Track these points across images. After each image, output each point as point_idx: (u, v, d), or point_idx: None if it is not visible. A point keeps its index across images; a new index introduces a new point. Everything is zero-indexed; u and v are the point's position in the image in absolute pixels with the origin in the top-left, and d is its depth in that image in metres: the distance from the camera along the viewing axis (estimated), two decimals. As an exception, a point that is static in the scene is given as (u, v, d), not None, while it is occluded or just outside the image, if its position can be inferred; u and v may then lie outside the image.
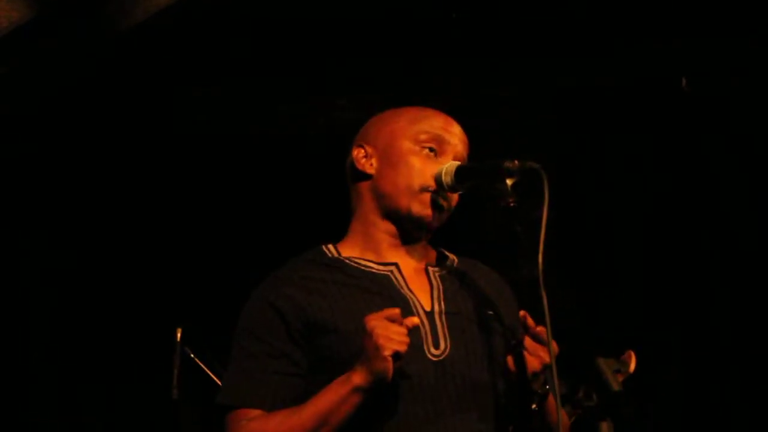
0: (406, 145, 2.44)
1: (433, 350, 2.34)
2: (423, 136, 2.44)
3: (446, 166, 2.41)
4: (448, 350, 2.34)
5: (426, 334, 2.34)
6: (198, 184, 5.42)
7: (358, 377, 2.23)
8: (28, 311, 5.37)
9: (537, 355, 2.26)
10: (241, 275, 5.16)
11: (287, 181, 5.33)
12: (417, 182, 2.41)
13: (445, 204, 2.42)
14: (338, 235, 2.54)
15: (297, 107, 5.21)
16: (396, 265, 2.43)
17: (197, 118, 5.24)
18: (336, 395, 2.25)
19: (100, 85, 4.90)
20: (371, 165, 2.47)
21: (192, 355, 4.09)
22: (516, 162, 2.30)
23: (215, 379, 4.12)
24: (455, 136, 2.47)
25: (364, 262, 2.43)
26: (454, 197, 2.45)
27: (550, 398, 2.35)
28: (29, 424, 5.29)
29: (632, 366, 3.50)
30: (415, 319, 2.26)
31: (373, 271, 2.41)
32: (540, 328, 2.25)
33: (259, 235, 5.36)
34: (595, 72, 5.11)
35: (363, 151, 2.48)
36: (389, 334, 2.20)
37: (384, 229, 2.46)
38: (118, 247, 5.39)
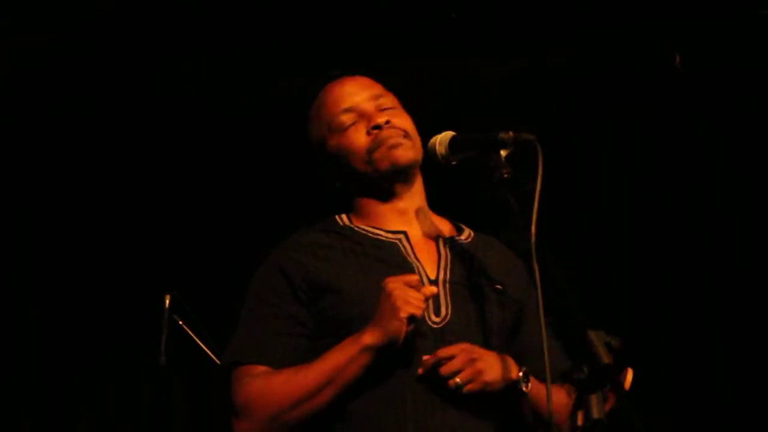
0: (335, 139, 2.47)
1: (433, 317, 2.35)
2: (336, 121, 2.47)
3: (440, 136, 2.40)
4: (448, 318, 2.35)
5: (428, 301, 2.34)
6: (188, 154, 5.41)
7: (368, 337, 2.24)
8: (17, 277, 5.36)
9: (475, 377, 2.28)
10: (230, 244, 5.21)
11: (278, 152, 5.32)
12: (364, 151, 2.43)
13: (399, 141, 2.42)
14: (326, 207, 2.55)
15: (290, 79, 5.19)
16: (405, 233, 2.45)
17: (186, 88, 5.23)
18: (345, 354, 2.26)
19: (90, 54, 4.89)
20: (338, 181, 2.51)
21: (180, 322, 4.08)
22: (511, 133, 2.29)
23: (203, 346, 4.12)
24: (356, 92, 2.49)
25: (373, 230, 2.45)
26: (402, 124, 2.46)
27: (534, 382, 2.38)
28: (17, 389, 5.30)
29: (627, 383, 3.45)
30: (433, 288, 2.29)
31: (381, 238, 2.43)
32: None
33: (248, 205, 5.35)
34: (589, 49, 5.11)
35: (329, 177, 2.52)
36: (407, 298, 2.22)
37: (385, 202, 2.48)
38: (107, 214, 5.39)
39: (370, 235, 2.44)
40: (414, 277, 2.28)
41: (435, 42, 4.89)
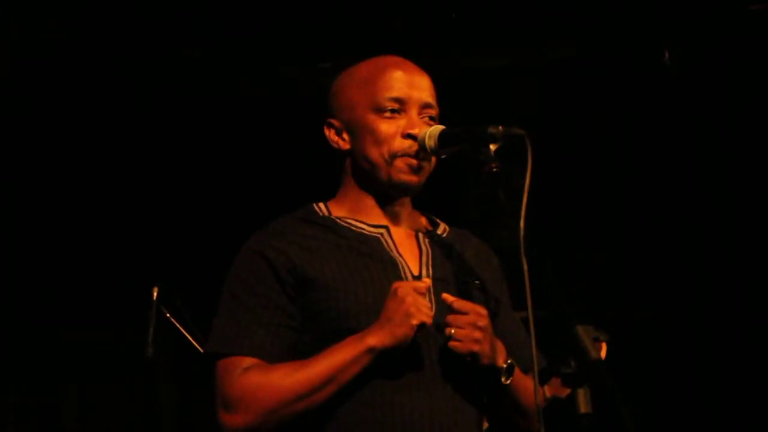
0: (369, 116, 2.42)
1: None
2: (382, 102, 2.41)
3: (429, 129, 2.39)
4: (432, 315, 2.32)
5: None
6: (179, 145, 5.40)
7: (373, 338, 2.24)
8: (6, 268, 5.35)
9: (467, 341, 2.29)
10: (219, 236, 5.20)
11: (271, 143, 5.32)
12: (386, 149, 2.39)
13: (423, 165, 2.42)
14: (321, 199, 2.53)
15: (283, 70, 5.19)
16: (386, 228, 2.43)
17: (183, 78, 5.22)
18: (349, 353, 2.25)
19: (89, 43, 4.88)
20: (344, 140, 2.46)
21: (167, 314, 4.08)
22: (500, 128, 2.29)
23: (190, 338, 4.12)
24: (415, 87, 2.44)
25: (355, 223, 2.42)
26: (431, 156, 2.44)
27: (518, 373, 2.39)
28: (4, 380, 5.29)
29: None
30: (427, 282, 2.31)
31: (364, 232, 2.41)
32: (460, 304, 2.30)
33: (239, 196, 5.35)
34: (578, 44, 5.11)
35: (332, 129, 2.48)
36: (419, 305, 2.23)
37: (371, 196, 2.45)
38: (96, 205, 5.38)
39: (354, 228, 2.42)
40: (423, 284, 2.28)
41: (427, 35, 4.89)
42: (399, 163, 2.39)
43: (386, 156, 2.39)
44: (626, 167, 5.22)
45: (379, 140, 2.40)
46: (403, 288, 2.26)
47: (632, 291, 5.12)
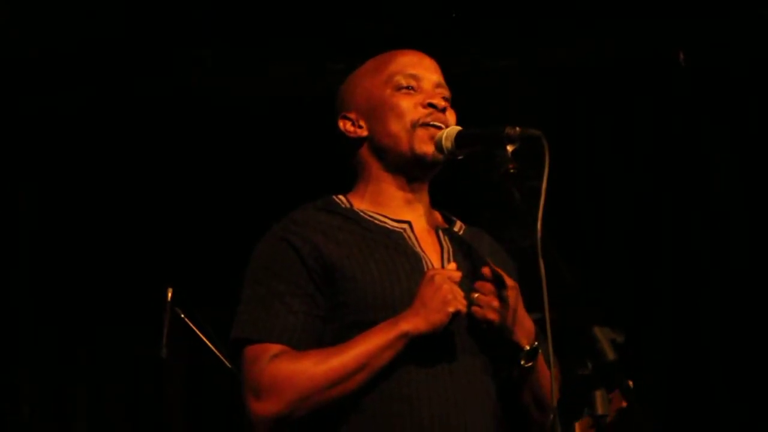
0: (386, 92, 2.43)
1: None
2: (398, 79, 2.44)
3: (446, 130, 2.39)
4: (467, 305, 2.30)
5: None
6: (191, 146, 5.41)
7: (407, 324, 2.23)
8: (19, 268, 5.36)
9: (487, 308, 2.29)
10: (233, 237, 5.21)
11: (280, 144, 5.33)
12: (409, 119, 2.40)
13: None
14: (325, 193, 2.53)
15: (293, 71, 5.20)
16: (409, 223, 2.42)
17: (194, 78, 5.23)
18: (382, 339, 2.23)
19: (100, 44, 4.89)
20: (362, 128, 2.46)
21: (182, 315, 4.09)
22: (517, 129, 2.28)
23: (204, 339, 4.12)
24: (427, 68, 2.47)
25: (378, 217, 2.41)
26: (453, 121, 2.45)
27: (542, 364, 2.37)
28: (17, 379, 5.31)
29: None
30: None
31: (387, 226, 2.40)
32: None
33: (251, 197, 5.35)
34: (594, 45, 5.11)
35: (348, 121, 2.47)
36: (455, 293, 2.24)
37: (394, 184, 2.44)
38: (110, 206, 5.39)
39: (377, 222, 2.40)
40: (457, 273, 2.28)
41: (435, 35, 4.89)
42: (421, 132, 2.40)
43: (408, 126, 2.40)
44: (636, 169, 5.22)
45: (400, 113, 2.41)
46: (440, 275, 2.25)
47: (644, 293, 5.12)
